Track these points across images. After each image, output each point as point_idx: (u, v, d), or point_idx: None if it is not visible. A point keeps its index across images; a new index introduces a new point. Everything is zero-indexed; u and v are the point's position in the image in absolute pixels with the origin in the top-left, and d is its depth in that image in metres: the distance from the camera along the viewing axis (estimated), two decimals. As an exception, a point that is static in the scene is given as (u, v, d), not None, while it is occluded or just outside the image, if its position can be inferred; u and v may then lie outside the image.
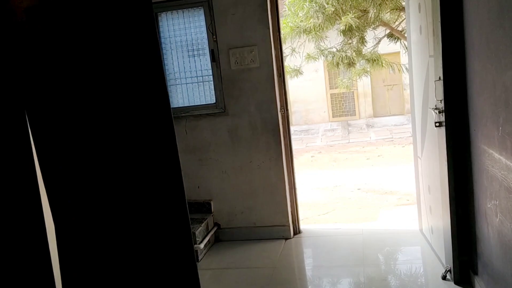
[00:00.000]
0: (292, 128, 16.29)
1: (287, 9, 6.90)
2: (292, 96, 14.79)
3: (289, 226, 4.16)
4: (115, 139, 1.39)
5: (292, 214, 4.23)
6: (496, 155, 2.18)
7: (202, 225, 3.99)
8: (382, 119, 14.81)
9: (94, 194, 1.41)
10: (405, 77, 12.07)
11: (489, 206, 2.42)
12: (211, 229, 4.18)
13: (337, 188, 8.27)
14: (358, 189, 8.14)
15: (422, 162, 3.57)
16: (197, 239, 3.83)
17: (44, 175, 1.37)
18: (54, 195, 1.39)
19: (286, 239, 4.14)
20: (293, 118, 15.15)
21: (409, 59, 3.80)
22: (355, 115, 15.21)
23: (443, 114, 2.84)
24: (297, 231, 4.27)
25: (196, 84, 4.23)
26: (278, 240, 4.12)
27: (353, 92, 14.43)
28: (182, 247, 1.52)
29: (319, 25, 6.24)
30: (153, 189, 1.46)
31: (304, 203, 7.12)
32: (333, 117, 15.29)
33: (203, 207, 4.26)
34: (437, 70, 2.88)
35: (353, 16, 6.11)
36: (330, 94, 15.06)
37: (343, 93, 13.38)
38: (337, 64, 6.91)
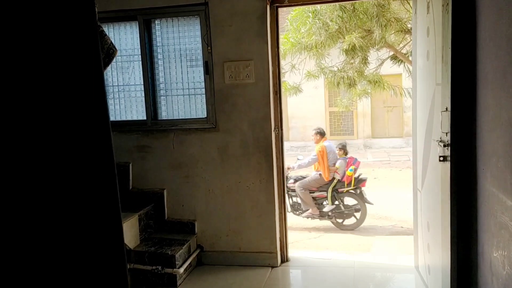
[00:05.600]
0: (288, 144, 15.99)
1: (288, 23, 6.71)
2: (290, 112, 14.58)
3: (276, 254, 3.89)
4: (46, 142, 1.24)
5: (280, 240, 3.97)
6: (509, 202, 1.95)
7: (184, 247, 3.72)
8: (380, 141, 14.61)
9: (19, 196, 1.24)
10: (406, 100, 11.88)
11: (495, 255, 2.18)
12: (193, 252, 3.91)
13: (331, 209, 8.02)
14: (352, 212, 7.90)
15: (422, 196, 3.33)
16: (176, 262, 3.57)
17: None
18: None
19: (273, 267, 3.87)
20: (290, 134, 14.93)
21: (413, 85, 3.58)
22: (353, 134, 15.01)
23: (449, 148, 2.61)
24: (284, 259, 4.00)
25: (188, 96, 4.00)
26: (263, 268, 3.85)
27: (352, 111, 14.24)
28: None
29: (321, 42, 6.04)
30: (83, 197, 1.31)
31: (295, 224, 6.88)
32: (330, 135, 15.06)
33: (186, 227, 4.00)
34: (444, 99, 2.65)
35: (357, 35, 5.91)
36: (329, 111, 14.87)
37: (342, 111, 13.15)
38: (338, 83, 6.70)
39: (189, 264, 3.79)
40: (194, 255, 3.90)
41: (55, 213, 1.34)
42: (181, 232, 3.99)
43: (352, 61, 6.68)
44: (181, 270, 3.60)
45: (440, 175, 2.79)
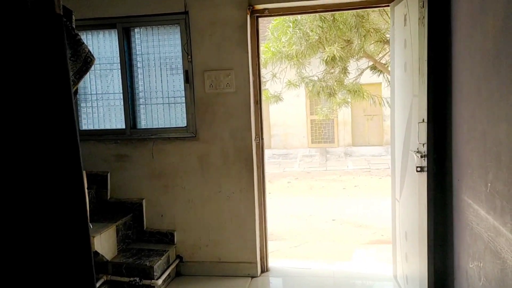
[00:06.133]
0: (270, 152, 15.99)
1: (270, 33, 6.76)
2: (272, 119, 14.63)
3: (256, 264, 3.87)
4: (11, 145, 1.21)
5: (260, 250, 3.95)
6: (483, 212, 1.98)
7: (163, 258, 3.67)
8: (361, 149, 14.75)
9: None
10: (386, 109, 12.05)
11: (471, 266, 2.21)
12: (172, 262, 3.86)
13: (312, 217, 8.07)
14: (333, 220, 7.94)
15: (400, 205, 3.37)
16: (155, 273, 3.51)
17: None
18: None
19: (253, 277, 3.85)
20: (272, 142, 14.97)
21: (392, 95, 3.63)
22: (334, 142, 15.13)
23: (425, 159, 2.65)
24: (264, 269, 3.98)
25: (167, 105, 3.97)
26: (243, 278, 3.83)
27: (333, 119, 14.37)
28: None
29: (302, 52, 6.10)
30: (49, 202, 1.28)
31: (276, 232, 6.86)
32: (312, 143, 15.16)
33: (165, 238, 3.95)
34: (421, 111, 2.70)
35: (337, 47, 5.99)
36: (310, 120, 14.97)
37: (323, 119, 13.28)
38: (318, 93, 6.76)
39: (168, 275, 3.74)
40: (173, 265, 3.85)
41: (13, 221, 1.30)
42: (160, 242, 3.94)
43: (332, 70, 6.75)
44: (159, 281, 3.55)
45: (417, 185, 2.83)
